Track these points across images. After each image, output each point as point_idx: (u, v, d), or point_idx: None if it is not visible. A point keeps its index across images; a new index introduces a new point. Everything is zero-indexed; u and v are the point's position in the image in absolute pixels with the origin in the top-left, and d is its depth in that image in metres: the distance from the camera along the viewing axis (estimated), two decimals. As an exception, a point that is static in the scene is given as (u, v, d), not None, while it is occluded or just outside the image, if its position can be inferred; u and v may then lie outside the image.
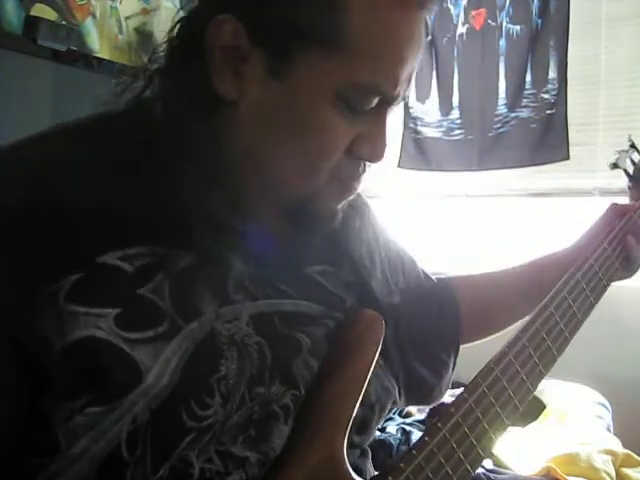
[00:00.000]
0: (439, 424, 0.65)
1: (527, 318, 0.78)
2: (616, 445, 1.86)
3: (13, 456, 0.54)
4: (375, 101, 0.61)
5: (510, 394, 0.72)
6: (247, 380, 0.60)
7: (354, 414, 0.64)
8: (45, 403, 0.53)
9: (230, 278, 0.62)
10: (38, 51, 2.32)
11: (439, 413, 0.67)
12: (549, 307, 0.79)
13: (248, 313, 0.63)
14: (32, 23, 2.34)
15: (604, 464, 1.73)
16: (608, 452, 1.79)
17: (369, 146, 0.63)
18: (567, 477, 1.65)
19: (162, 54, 0.66)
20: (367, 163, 0.65)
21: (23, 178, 0.57)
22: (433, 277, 0.93)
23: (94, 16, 2.64)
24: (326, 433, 0.62)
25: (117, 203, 0.58)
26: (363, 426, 0.69)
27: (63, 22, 2.49)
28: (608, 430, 1.99)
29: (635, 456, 1.83)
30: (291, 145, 0.61)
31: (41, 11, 2.43)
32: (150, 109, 0.64)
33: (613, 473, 1.73)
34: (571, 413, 1.93)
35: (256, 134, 0.62)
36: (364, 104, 0.61)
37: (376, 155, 0.64)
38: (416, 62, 0.63)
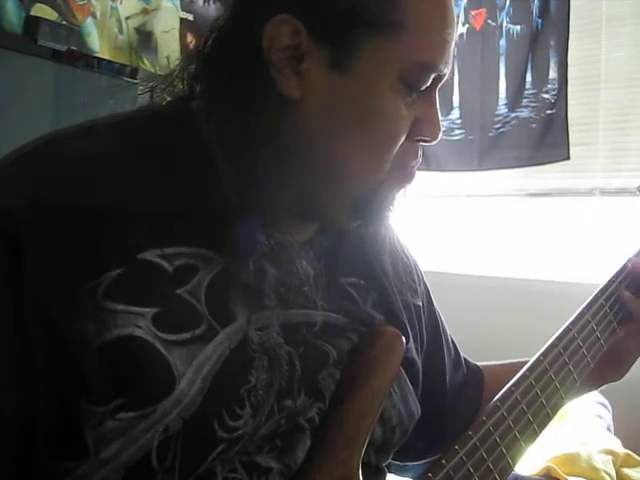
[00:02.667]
0: (470, 432, 0.64)
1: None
2: (616, 445, 1.86)
3: (39, 457, 0.53)
4: (431, 79, 0.61)
5: (542, 402, 0.72)
6: (276, 392, 0.60)
7: (370, 434, 0.63)
8: (78, 405, 0.52)
9: (264, 284, 0.62)
10: (38, 51, 2.32)
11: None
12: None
13: (279, 321, 0.62)
14: (32, 23, 2.34)
15: (604, 464, 1.73)
16: (608, 452, 1.79)
17: (427, 126, 0.63)
18: (567, 477, 1.65)
19: (197, 56, 0.64)
20: (421, 146, 0.65)
21: (68, 171, 0.56)
22: (463, 359, 0.89)
23: (94, 16, 2.64)
24: (341, 452, 0.61)
25: (159, 201, 0.57)
26: (382, 447, 0.68)
27: (63, 22, 2.49)
28: (608, 430, 1.99)
29: (635, 456, 1.84)
30: (358, 137, 0.61)
31: (41, 11, 2.43)
32: (191, 112, 0.63)
33: (613, 473, 1.73)
34: (571, 413, 1.93)
35: (322, 130, 0.61)
36: (423, 83, 0.61)
37: (435, 134, 0.64)
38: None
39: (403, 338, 0.68)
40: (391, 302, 0.74)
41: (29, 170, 0.56)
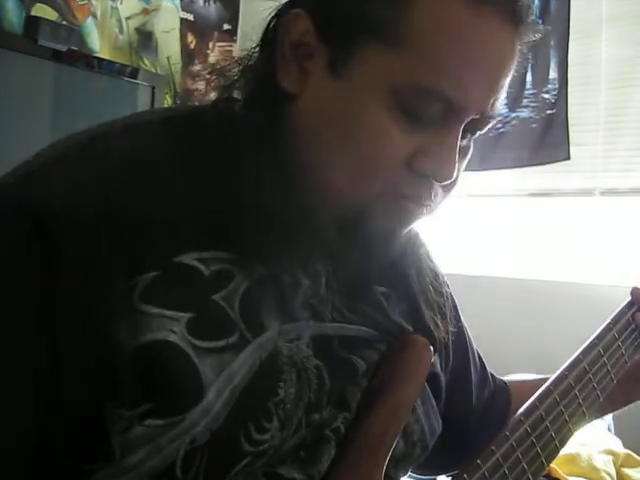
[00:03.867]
0: (493, 447, 0.63)
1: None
2: (617, 445, 1.86)
3: (60, 456, 0.52)
4: (439, 108, 0.56)
5: (565, 419, 0.71)
6: (305, 406, 0.58)
7: (393, 446, 0.62)
8: (106, 408, 0.51)
9: (298, 294, 0.60)
10: (38, 51, 2.32)
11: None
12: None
13: (310, 333, 0.60)
14: (33, 23, 2.34)
15: (605, 464, 1.73)
16: (609, 452, 1.78)
17: (431, 161, 0.57)
18: (567, 477, 1.65)
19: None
20: (436, 185, 0.59)
21: (110, 171, 0.55)
22: (489, 373, 0.88)
23: (95, 16, 2.64)
24: (366, 463, 0.61)
25: (198, 204, 0.56)
26: (402, 461, 0.67)
27: (64, 22, 2.50)
28: (609, 430, 1.99)
29: (636, 456, 1.83)
30: (342, 147, 0.57)
31: (42, 11, 2.43)
32: (234, 113, 0.62)
33: (614, 473, 1.73)
34: (571, 413, 1.93)
35: (311, 132, 0.59)
36: (424, 109, 0.55)
37: (438, 172, 0.57)
38: (502, 79, 0.58)
39: (431, 348, 0.67)
40: (419, 313, 0.72)
41: (71, 168, 0.55)
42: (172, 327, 0.52)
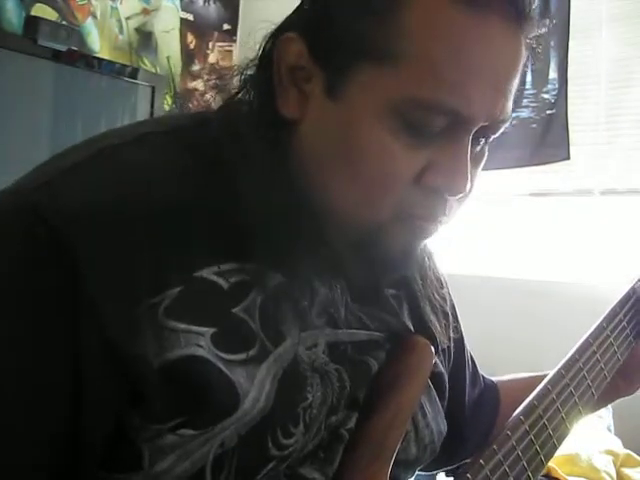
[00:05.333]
0: (508, 432, 0.64)
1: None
2: (617, 445, 1.86)
3: (89, 468, 0.51)
4: (443, 121, 0.54)
5: (562, 417, 0.73)
6: (327, 409, 0.60)
7: (398, 446, 0.62)
8: (132, 422, 0.51)
9: (316, 302, 0.61)
10: (38, 51, 2.32)
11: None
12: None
13: (325, 340, 0.61)
14: (32, 23, 2.35)
15: (605, 464, 1.73)
16: (609, 452, 1.79)
17: (441, 176, 0.55)
18: (567, 477, 1.65)
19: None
20: (448, 200, 0.58)
21: (124, 183, 0.54)
22: (481, 375, 0.89)
23: (94, 16, 2.64)
24: (368, 466, 0.61)
25: (216, 216, 0.55)
26: (413, 465, 0.68)
27: (63, 22, 2.50)
28: (608, 430, 1.99)
29: (636, 456, 1.83)
30: (347, 172, 0.55)
31: (41, 11, 2.44)
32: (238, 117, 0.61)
33: (614, 473, 1.73)
34: (571, 413, 1.93)
35: (314, 157, 0.57)
36: (428, 123, 0.54)
37: (450, 186, 0.56)
38: (510, 80, 0.56)
39: (432, 348, 0.67)
40: (422, 314, 0.72)
41: (88, 179, 0.54)
42: (199, 342, 0.52)
